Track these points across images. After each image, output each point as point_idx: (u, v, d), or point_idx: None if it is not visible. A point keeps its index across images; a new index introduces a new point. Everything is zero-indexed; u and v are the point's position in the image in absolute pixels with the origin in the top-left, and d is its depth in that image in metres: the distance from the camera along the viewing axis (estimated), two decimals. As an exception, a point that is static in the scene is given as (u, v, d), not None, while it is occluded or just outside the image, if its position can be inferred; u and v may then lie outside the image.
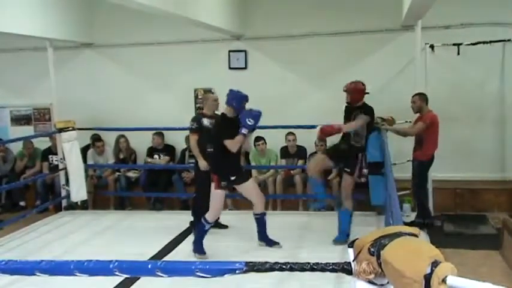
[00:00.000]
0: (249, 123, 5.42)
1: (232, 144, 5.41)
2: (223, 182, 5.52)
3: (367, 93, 6.01)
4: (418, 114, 6.76)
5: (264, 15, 8.59)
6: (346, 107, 6.16)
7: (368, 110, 5.94)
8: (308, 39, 8.44)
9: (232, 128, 5.44)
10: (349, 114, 6.04)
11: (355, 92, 5.98)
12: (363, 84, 6.02)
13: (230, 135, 5.41)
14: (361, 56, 8.31)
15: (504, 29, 7.53)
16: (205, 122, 6.29)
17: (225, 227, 6.63)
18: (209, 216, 5.60)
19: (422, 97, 6.70)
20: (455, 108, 8.03)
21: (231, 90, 5.67)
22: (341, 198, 6.18)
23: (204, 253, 5.49)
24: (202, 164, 6.23)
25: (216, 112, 6.35)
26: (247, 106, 5.62)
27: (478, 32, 7.53)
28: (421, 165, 6.76)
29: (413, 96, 6.74)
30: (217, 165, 5.62)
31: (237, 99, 5.57)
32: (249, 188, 5.80)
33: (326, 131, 6.00)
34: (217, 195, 5.57)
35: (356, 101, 5.97)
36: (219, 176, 5.52)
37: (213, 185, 5.55)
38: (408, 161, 7.00)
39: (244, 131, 5.40)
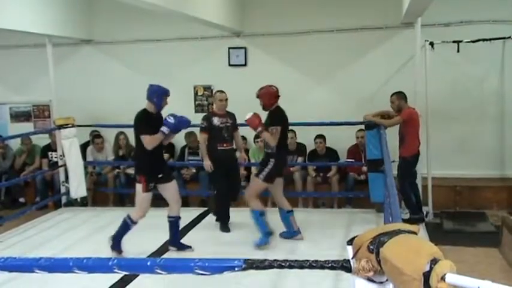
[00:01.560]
0: (170, 121, 5.27)
1: (148, 140, 5.21)
2: (151, 183, 5.33)
3: (279, 96, 5.91)
4: None
5: (263, 12, 8.58)
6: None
7: (275, 119, 5.76)
8: (308, 36, 8.43)
9: (152, 125, 5.26)
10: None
11: (266, 97, 5.83)
12: (275, 88, 5.91)
13: (148, 131, 5.23)
14: (361, 53, 8.31)
15: (504, 27, 7.52)
16: (216, 121, 6.36)
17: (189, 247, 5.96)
18: (135, 216, 5.42)
19: (400, 96, 6.77)
20: (455, 106, 8.04)
21: (150, 85, 5.46)
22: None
23: (122, 251, 5.47)
24: (207, 164, 6.30)
25: (228, 111, 6.47)
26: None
27: (478, 29, 7.53)
28: (405, 162, 6.80)
29: (391, 96, 6.81)
30: (143, 164, 5.40)
31: (157, 93, 5.36)
32: (171, 189, 5.61)
33: (251, 123, 5.75)
34: (145, 197, 5.36)
35: (269, 106, 5.83)
36: (146, 177, 5.31)
37: (139, 186, 5.33)
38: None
39: (164, 129, 5.24)
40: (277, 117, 5.78)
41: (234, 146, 6.58)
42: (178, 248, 5.75)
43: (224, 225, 6.57)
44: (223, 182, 6.44)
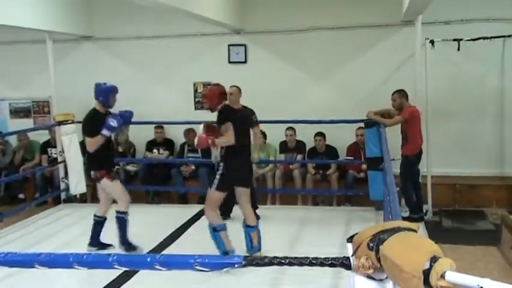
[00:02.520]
0: (112, 124, 5.20)
1: (89, 142, 5.24)
2: (111, 172, 5.46)
3: (225, 93, 5.44)
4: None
5: (264, 9, 8.57)
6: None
7: (222, 118, 5.21)
8: (308, 34, 8.42)
9: (100, 125, 5.23)
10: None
11: (210, 97, 5.30)
12: (219, 86, 5.40)
13: (91, 133, 5.23)
14: (361, 51, 8.31)
15: (504, 25, 7.51)
16: None
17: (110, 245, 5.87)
18: (122, 206, 5.51)
19: (401, 93, 6.79)
20: (455, 104, 8.04)
21: (96, 84, 5.41)
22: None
23: (136, 247, 5.55)
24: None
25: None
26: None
27: (478, 27, 7.52)
28: (407, 160, 6.83)
29: (392, 94, 6.82)
30: (97, 160, 5.38)
31: (103, 92, 5.33)
32: (116, 185, 5.55)
33: (201, 142, 5.11)
34: (115, 185, 5.47)
35: (214, 106, 5.27)
36: (105, 170, 5.38)
37: (104, 182, 5.40)
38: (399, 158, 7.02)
39: (105, 132, 5.21)
40: (224, 116, 5.20)
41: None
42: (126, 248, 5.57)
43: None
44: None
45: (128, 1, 6.81)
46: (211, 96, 5.30)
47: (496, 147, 8.10)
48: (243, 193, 5.30)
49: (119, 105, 8.66)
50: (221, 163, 5.15)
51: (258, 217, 5.73)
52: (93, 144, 5.22)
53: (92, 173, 5.43)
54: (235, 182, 5.21)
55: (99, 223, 5.71)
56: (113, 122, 5.21)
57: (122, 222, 5.51)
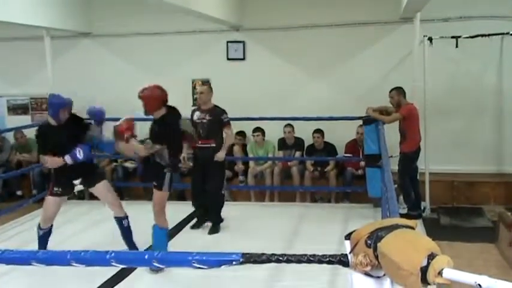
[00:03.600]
0: (79, 156, 4.89)
1: (45, 161, 5.01)
2: (57, 188, 5.10)
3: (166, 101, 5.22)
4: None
5: (262, 6, 8.56)
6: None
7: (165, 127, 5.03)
8: (307, 31, 8.41)
9: (50, 140, 4.96)
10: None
11: (150, 100, 5.12)
12: (162, 90, 5.22)
13: (44, 150, 5.02)
14: (360, 48, 8.30)
15: (502, 22, 7.50)
16: (195, 116, 6.12)
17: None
18: (43, 222, 5.34)
19: (399, 91, 6.81)
20: (453, 101, 8.04)
21: (49, 96, 5.14)
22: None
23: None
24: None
25: (216, 106, 6.10)
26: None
27: (477, 25, 7.51)
28: (405, 157, 6.85)
29: (390, 92, 6.84)
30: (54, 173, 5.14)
31: (52, 106, 4.96)
32: (101, 190, 5.36)
33: (118, 132, 5.02)
34: (47, 202, 5.25)
35: (152, 110, 5.08)
36: (53, 183, 5.13)
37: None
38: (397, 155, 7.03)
39: (67, 159, 4.88)
40: (168, 123, 5.09)
41: (214, 144, 6.03)
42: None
43: (197, 223, 6.42)
44: (196, 180, 6.27)
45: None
46: (154, 100, 5.11)
47: (494, 144, 8.10)
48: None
49: (117, 100, 8.67)
50: (166, 169, 4.94)
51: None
52: (50, 163, 4.97)
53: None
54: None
55: (120, 224, 5.39)
56: (80, 155, 4.87)
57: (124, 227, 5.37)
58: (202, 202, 6.36)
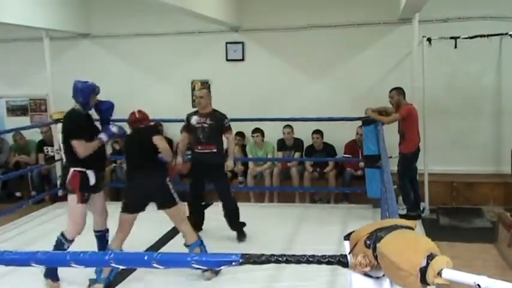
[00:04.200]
0: (114, 130, 4.74)
1: (82, 147, 4.49)
2: (86, 192, 4.63)
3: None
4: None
5: (261, 7, 8.56)
6: None
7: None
8: (306, 31, 8.42)
9: (83, 127, 4.60)
10: None
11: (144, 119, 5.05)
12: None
13: (79, 135, 4.52)
14: (359, 49, 8.30)
15: (501, 23, 7.51)
16: (193, 120, 5.96)
17: None
18: (70, 233, 4.68)
19: (399, 91, 6.82)
20: (452, 102, 8.05)
21: (75, 82, 4.71)
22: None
23: (58, 279, 4.67)
24: (178, 164, 5.93)
25: (215, 110, 5.95)
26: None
27: (476, 25, 7.52)
28: (405, 158, 6.86)
29: (390, 92, 6.85)
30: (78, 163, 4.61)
31: (83, 92, 4.62)
32: (101, 199, 4.98)
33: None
34: (79, 209, 4.65)
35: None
36: (80, 186, 4.56)
37: (72, 198, 4.60)
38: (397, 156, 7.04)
39: (103, 137, 4.66)
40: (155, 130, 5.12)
41: (215, 150, 5.88)
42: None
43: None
44: (194, 187, 6.13)
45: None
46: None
47: (493, 144, 8.11)
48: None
49: (117, 101, 8.63)
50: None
51: None
52: (86, 148, 4.53)
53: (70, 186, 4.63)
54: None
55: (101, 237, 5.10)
56: (114, 130, 4.74)
57: (61, 247, 4.61)
58: (199, 208, 6.27)
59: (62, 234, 4.65)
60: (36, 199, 7.88)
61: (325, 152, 8.11)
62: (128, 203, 4.84)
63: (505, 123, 8.02)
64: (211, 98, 6.07)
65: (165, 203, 4.84)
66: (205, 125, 5.86)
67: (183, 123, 8.31)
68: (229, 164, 5.99)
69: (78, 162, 4.55)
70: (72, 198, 4.59)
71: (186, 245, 4.74)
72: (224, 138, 6.04)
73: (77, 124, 4.60)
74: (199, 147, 5.89)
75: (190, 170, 6.19)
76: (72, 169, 4.59)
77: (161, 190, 4.78)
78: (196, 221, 6.16)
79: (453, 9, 7.76)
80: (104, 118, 4.90)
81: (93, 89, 4.68)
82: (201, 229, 6.22)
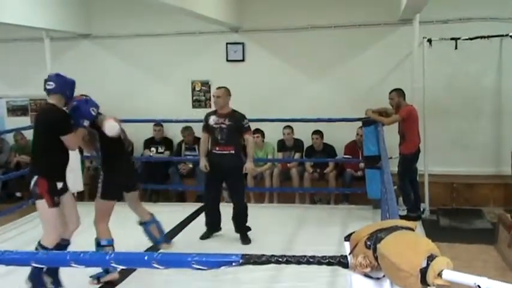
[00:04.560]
0: (93, 113, 4.43)
1: (75, 140, 4.34)
2: (55, 195, 4.33)
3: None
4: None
5: (261, 7, 8.56)
6: None
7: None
8: (306, 32, 8.42)
9: (69, 121, 4.35)
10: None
11: None
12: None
13: (70, 129, 4.28)
14: (359, 49, 8.30)
15: (502, 24, 7.51)
16: (211, 120, 5.86)
17: None
18: (48, 241, 4.22)
19: (399, 93, 6.83)
20: (452, 103, 8.05)
21: (57, 76, 4.47)
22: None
23: None
24: (201, 165, 5.92)
25: (234, 110, 5.82)
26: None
27: (476, 26, 7.52)
28: (405, 159, 6.87)
29: (390, 93, 6.85)
30: (46, 169, 4.33)
31: (70, 85, 4.43)
32: (70, 202, 4.61)
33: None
34: (53, 213, 4.31)
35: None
36: (49, 187, 4.27)
37: (41, 203, 4.28)
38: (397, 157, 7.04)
39: (85, 122, 4.38)
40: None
41: (233, 151, 5.78)
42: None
43: (207, 232, 6.11)
44: (211, 188, 6.01)
45: (126, -1, 6.81)
46: None
47: (493, 145, 8.11)
48: (133, 196, 5.10)
49: (117, 101, 8.69)
50: (101, 172, 4.86)
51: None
52: (78, 139, 4.40)
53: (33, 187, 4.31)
54: (126, 187, 4.98)
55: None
56: (93, 111, 4.43)
57: None
58: (216, 209, 6.13)
59: (40, 244, 4.22)
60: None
61: (325, 153, 8.11)
62: (111, 190, 4.77)
63: (505, 124, 8.02)
64: (230, 98, 5.91)
65: (136, 185, 5.10)
66: (223, 126, 5.74)
67: (183, 124, 8.43)
68: (248, 166, 5.88)
69: (45, 169, 4.31)
70: (42, 203, 4.30)
71: (141, 223, 5.16)
72: (243, 139, 5.94)
73: (67, 119, 4.34)
74: (217, 148, 5.79)
75: (208, 171, 5.93)
76: (35, 176, 4.30)
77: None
78: (214, 222, 6.11)
79: (453, 10, 7.77)
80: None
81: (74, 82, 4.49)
82: (220, 229, 6.18)
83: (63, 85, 4.39)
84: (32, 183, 4.31)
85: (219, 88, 5.90)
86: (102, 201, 4.76)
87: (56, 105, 4.34)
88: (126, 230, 5.60)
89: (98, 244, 4.78)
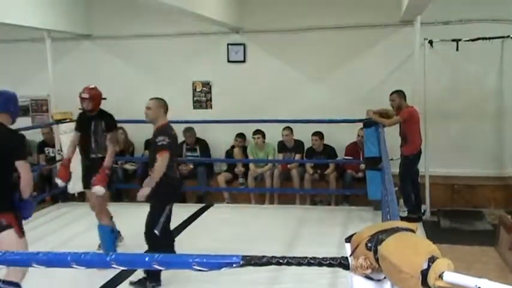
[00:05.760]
0: None
1: (28, 172, 4.01)
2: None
3: (104, 98, 5.59)
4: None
5: (263, 8, 8.57)
6: (80, 115, 5.64)
7: (111, 119, 5.55)
8: (307, 34, 8.42)
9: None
10: (86, 123, 5.47)
11: (98, 98, 5.46)
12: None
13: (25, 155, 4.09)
14: (360, 51, 8.31)
15: (503, 26, 7.52)
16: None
17: None
18: (19, 278, 3.85)
19: (400, 94, 6.84)
20: (453, 104, 8.04)
21: (3, 92, 4.09)
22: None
23: None
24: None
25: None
26: None
27: (477, 28, 7.52)
28: (407, 160, 6.88)
29: (391, 94, 6.86)
30: (12, 200, 3.95)
31: (13, 100, 4.09)
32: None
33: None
34: (23, 245, 3.99)
35: (97, 108, 5.47)
36: (16, 216, 3.96)
37: (9, 233, 3.88)
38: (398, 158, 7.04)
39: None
40: (112, 117, 5.61)
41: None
42: None
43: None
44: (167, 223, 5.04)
45: (127, 0, 6.80)
46: (100, 97, 5.49)
47: (494, 147, 8.11)
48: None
49: (118, 102, 8.67)
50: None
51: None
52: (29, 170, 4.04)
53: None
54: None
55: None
56: None
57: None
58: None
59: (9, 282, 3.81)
60: (36, 200, 7.87)
61: (325, 154, 8.11)
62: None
63: (506, 125, 8.02)
64: (163, 111, 4.97)
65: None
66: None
67: (184, 125, 8.42)
68: (140, 192, 4.95)
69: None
70: (9, 234, 3.88)
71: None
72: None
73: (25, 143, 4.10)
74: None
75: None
76: None
77: None
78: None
79: (455, 11, 7.76)
80: None
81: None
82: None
83: (5, 102, 4.01)
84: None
85: (151, 99, 5.01)
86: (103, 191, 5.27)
87: (4, 124, 3.97)
88: (127, 231, 5.63)
89: (112, 230, 5.47)
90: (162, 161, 4.72)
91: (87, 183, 5.46)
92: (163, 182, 4.77)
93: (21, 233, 3.97)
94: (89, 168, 5.46)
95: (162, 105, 4.93)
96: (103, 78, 9.17)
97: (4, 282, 3.79)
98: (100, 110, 5.53)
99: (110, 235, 5.41)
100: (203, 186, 8.35)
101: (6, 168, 3.87)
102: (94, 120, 5.43)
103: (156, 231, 4.76)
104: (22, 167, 3.91)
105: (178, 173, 5.22)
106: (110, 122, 5.50)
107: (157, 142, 4.76)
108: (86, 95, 5.38)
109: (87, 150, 5.49)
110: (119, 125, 8.42)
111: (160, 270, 4.20)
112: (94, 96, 5.43)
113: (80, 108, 5.55)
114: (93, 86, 5.52)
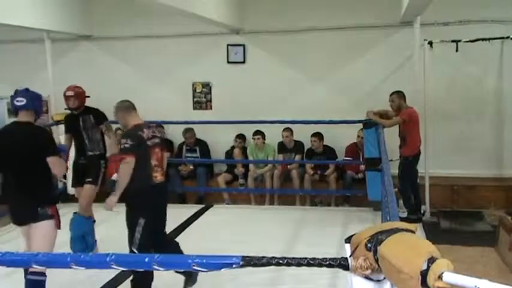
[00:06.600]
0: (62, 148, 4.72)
1: (61, 164, 4.20)
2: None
3: (88, 96, 5.75)
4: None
5: (263, 9, 8.57)
6: (67, 117, 5.81)
7: (98, 111, 5.66)
8: (307, 34, 8.42)
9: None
10: (74, 122, 5.58)
11: (82, 96, 5.62)
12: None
13: (56, 151, 4.12)
14: (360, 52, 8.31)
15: (503, 26, 7.52)
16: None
17: None
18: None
19: (400, 95, 6.85)
20: (453, 105, 8.05)
21: (26, 91, 4.21)
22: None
23: None
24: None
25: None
26: None
27: (477, 29, 7.52)
28: (406, 161, 6.88)
29: (391, 95, 6.86)
30: (44, 195, 4.15)
31: (40, 99, 4.31)
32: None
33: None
34: (55, 235, 4.20)
35: (82, 106, 5.61)
36: (57, 209, 4.21)
37: (51, 223, 4.09)
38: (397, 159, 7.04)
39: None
40: (101, 112, 5.74)
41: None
42: None
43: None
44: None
45: (127, 0, 6.80)
46: (84, 95, 5.65)
47: (494, 148, 8.11)
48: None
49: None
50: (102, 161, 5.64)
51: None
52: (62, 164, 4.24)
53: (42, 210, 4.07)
54: None
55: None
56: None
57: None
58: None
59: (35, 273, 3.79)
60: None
61: (325, 155, 8.11)
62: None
63: (506, 126, 8.02)
64: (130, 114, 4.69)
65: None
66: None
67: (183, 125, 8.42)
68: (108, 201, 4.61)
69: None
70: (50, 223, 4.11)
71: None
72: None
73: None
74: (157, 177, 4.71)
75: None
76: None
77: None
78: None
79: (454, 12, 7.77)
80: None
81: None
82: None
83: (31, 99, 4.12)
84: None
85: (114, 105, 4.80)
86: (93, 188, 5.53)
87: (31, 123, 4.06)
88: (123, 231, 5.61)
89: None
90: (123, 168, 4.22)
91: (78, 182, 5.62)
92: (132, 191, 4.25)
93: (59, 224, 4.19)
94: (86, 167, 5.55)
95: (125, 106, 4.59)
96: (103, 79, 9.19)
97: (31, 273, 3.82)
98: (86, 106, 5.62)
99: (91, 225, 5.50)
100: (203, 187, 8.35)
101: (45, 163, 3.99)
102: (81, 117, 5.55)
103: (134, 249, 4.16)
104: (54, 162, 4.05)
105: (160, 177, 4.42)
106: (98, 114, 5.59)
107: (120, 146, 4.39)
108: (70, 93, 5.53)
109: (82, 149, 5.56)
110: (117, 125, 8.51)
111: (151, 279, 4.11)
112: (78, 93, 5.59)
113: (65, 109, 5.70)
114: (77, 85, 5.72)
